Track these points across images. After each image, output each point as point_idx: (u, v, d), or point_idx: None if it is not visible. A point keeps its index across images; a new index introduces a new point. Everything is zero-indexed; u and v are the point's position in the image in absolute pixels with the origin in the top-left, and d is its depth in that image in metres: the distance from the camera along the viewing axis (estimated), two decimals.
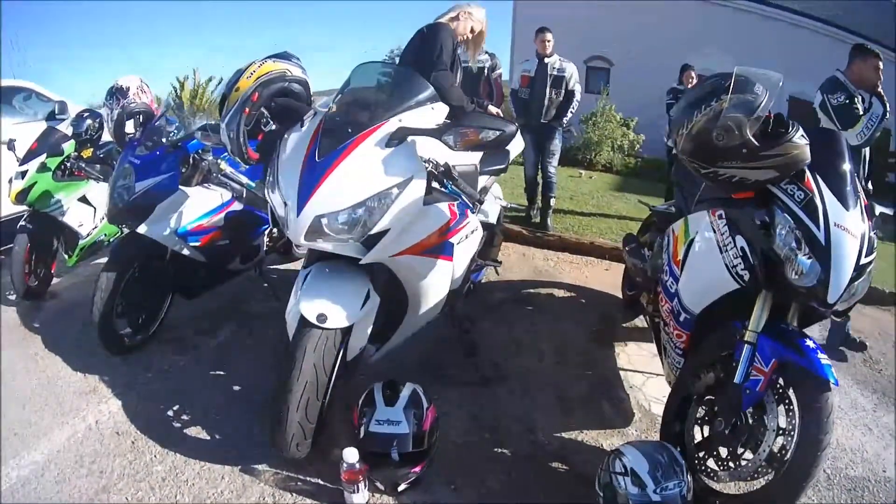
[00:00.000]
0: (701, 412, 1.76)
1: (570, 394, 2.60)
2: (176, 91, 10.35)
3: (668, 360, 2.05)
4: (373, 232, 1.68)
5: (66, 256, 3.79)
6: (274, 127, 2.25)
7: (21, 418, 2.48)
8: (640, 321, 3.38)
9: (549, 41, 4.88)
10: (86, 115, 3.92)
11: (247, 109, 2.10)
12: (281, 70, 2.26)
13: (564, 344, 3.11)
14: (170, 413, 2.49)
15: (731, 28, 8.88)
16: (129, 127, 3.60)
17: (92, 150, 3.77)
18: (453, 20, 2.82)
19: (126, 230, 3.03)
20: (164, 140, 2.91)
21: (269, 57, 2.35)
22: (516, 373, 2.77)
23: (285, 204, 1.73)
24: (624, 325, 3.43)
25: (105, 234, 3.92)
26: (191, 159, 2.81)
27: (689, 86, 5.41)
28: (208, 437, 2.35)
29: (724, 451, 1.66)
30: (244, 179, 2.89)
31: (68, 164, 3.62)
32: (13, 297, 3.69)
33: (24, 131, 4.10)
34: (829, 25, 8.55)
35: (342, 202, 1.64)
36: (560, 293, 3.93)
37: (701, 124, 1.54)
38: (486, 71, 4.94)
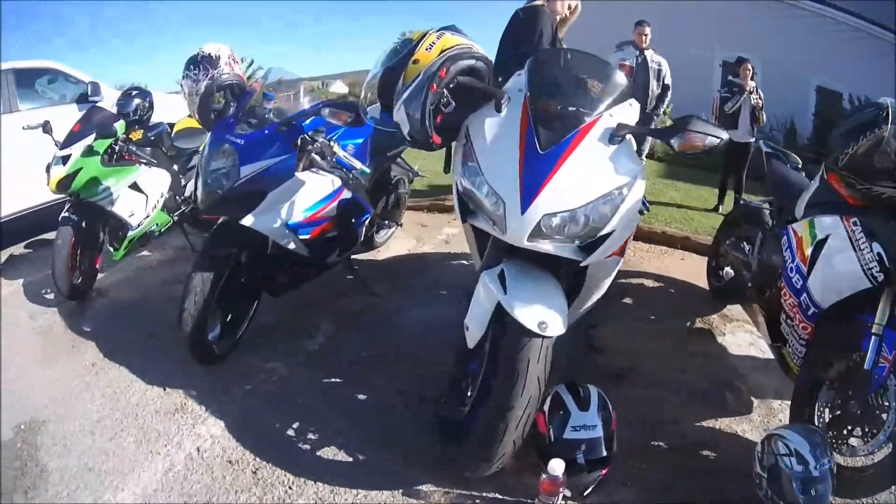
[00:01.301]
0: (831, 396, 1.86)
1: (693, 386, 2.37)
2: None
3: (788, 350, 2.12)
4: (602, 234, 1.53)
5: (112, 249, 3.15)
6: (453, 108, 1.77)
7: (93, 447, 1.87)
8: (728, 311, 3.08)
9: (647, 34, 4.74)
10: (133, 93, 3.31)
11: (434, 86, 1.65)
12: (466, 45, 1.79)
13: (672, 335, 2.83)
14: (290, 432, 1.91)
15: (755, 20, 8.63)
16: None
17: (142, 131, 3.17)
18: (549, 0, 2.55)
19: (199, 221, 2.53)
20: (270, 117, 2.34)
21: (442, 29, 1.86)
22: (638, 367, 2.47)
23: (498, 199, 1.50)
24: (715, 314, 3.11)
25: (157, 224, 3.29)
26: (298, 141, 2.27)
27: (745, 79, 5.12)
28: (348, 459, 1.79)
29: (857, 430, 1.78)
30: (358, 164, 2.37)
31: (116, 148, 3.01)
32: (51, 296, 3.05)
33: (59, 114, 3.47)
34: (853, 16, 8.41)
35: (572, 201, 1.47)
36: (649, 283, 3.57)
37: (865, 147, 1.77)
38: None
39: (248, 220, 2.15)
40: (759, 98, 4.97)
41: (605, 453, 1.68)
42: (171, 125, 3.46)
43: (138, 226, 3.11)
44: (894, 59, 7.68)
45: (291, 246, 2.30)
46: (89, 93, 4.30)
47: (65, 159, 2.89)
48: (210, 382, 2.22)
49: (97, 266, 3.12)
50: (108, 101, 4.31)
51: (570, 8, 2.62)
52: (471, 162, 1.60)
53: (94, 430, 1.96)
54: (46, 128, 3.10)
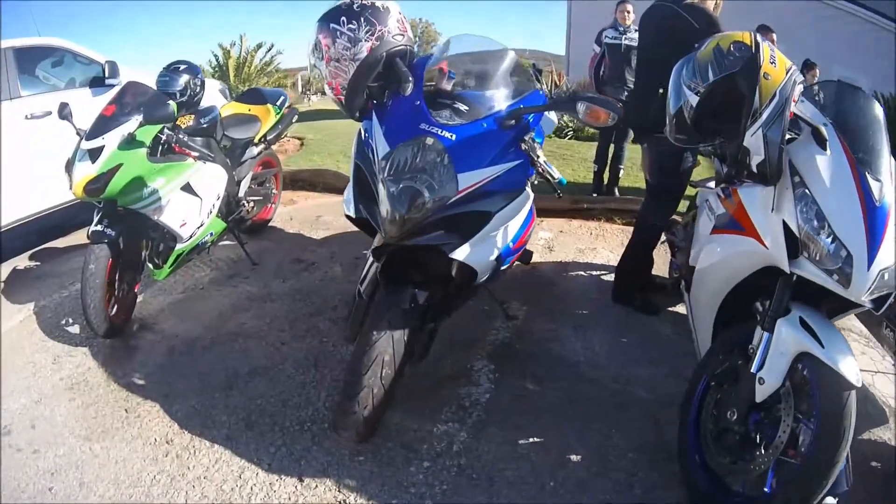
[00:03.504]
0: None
1: None
2: (218, 59, 8.61)
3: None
4: None
5: (152, 266, 2.36)
6: None
7: None
8: None
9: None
10: (181, 67, 2.50)
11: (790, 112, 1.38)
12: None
13: None
14: None
15: (768, 13, 8.14)
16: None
17: (192, 116, 2.37)
18: None
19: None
20: (474, 105, 1.57)
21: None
22: None
23: (842, 250, 1.28)
24: None
25: (211, 234, 2.51)
26: (527, 141, 1.52)
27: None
28: None
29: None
30: (556, 174, 1.64)
31: (163, 137, 2.22)
32: (75, 329, 2.28)
33: (78, 98, 2.62)
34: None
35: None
36: None
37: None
38: (635, 51, 3.97)
39: (460, 254, 1.41)
40: None
41: None
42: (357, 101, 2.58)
43: (190, 237, 2.33)
44: (894, 49, 7.34)
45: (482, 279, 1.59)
46: (106, 74, 3.43)
47: (94, 153, 2.08)
48: (371, 470, 1.52)
49: (136, 290, 2.34)
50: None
51: (716, 4, 2.30)
52: (807, 202, 1.35)
53: None
54: (64, 112, 2.26)
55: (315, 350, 2.08)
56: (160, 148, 2.22)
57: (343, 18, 1.51)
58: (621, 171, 4.07)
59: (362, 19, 1.50)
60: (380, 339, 1.37)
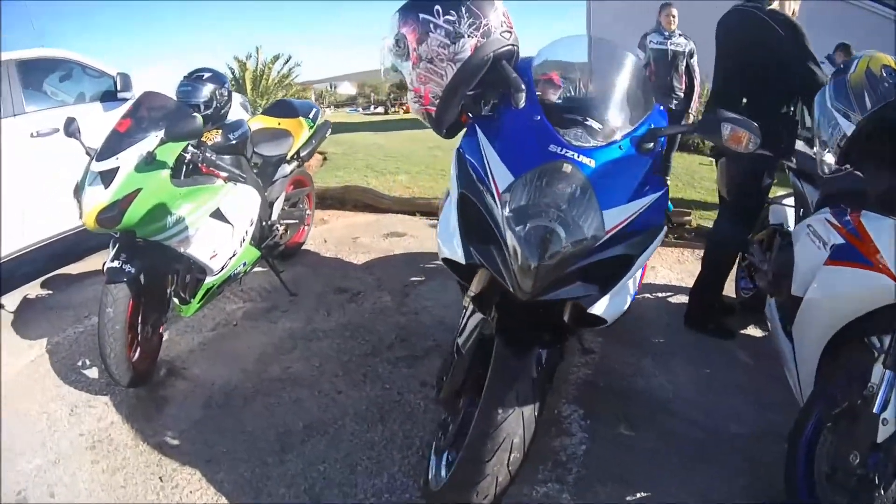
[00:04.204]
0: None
1: None
2: (234, 72, 8.22)
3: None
4: None
5: (178, 302, 2.03)
6: None
7: None
8: None
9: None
10: (205, 76, 2.19)
11: None
12: None
13: None
14: None
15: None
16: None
17: (221, 132, 2.05)
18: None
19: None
20: (618, 125, 1.23)
21: None
22: None
23: None
24: None
25: (245, 263, 2.20)
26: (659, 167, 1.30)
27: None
28: None
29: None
30: None
31: (187, 157, 1.87)
32: (93, 372, 1.98)
33: (88, 114, 2.30)
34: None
35: None
36: None
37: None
38: (682, 56, 3.78)
39: (599, 307, 1.08)
40: None
41: None
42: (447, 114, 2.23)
43: (222, 269, 2.01)
44: (894, 38, 7.16)
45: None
46: (118, 87, 3.11)
47: (107, 176, 1.73)
48: None
49: (161, 330, 2.01)
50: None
51: (793, 13, 2.13)
52: None
53: None
54: (70, 128, 1.93)
55: (378, 400, 1.78)
56: (184, 169, 1.89)
57: (437, 8, 1.14)
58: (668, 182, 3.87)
59: (463, 10, 1.14)
60: (508, 417, 1.05)
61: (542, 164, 1.06)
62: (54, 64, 3.19)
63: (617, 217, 1.07)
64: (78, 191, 1.80)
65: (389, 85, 20.64)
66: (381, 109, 22.03)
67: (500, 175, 1.09)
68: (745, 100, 2.11)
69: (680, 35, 3.75)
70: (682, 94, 3.88)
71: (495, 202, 1.07)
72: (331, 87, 14.31)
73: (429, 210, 3.43)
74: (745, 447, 1.62)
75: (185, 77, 2.18)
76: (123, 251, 1.81)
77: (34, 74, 3.05)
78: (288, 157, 2.52)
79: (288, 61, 8.33)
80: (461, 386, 1.21)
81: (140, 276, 1.81)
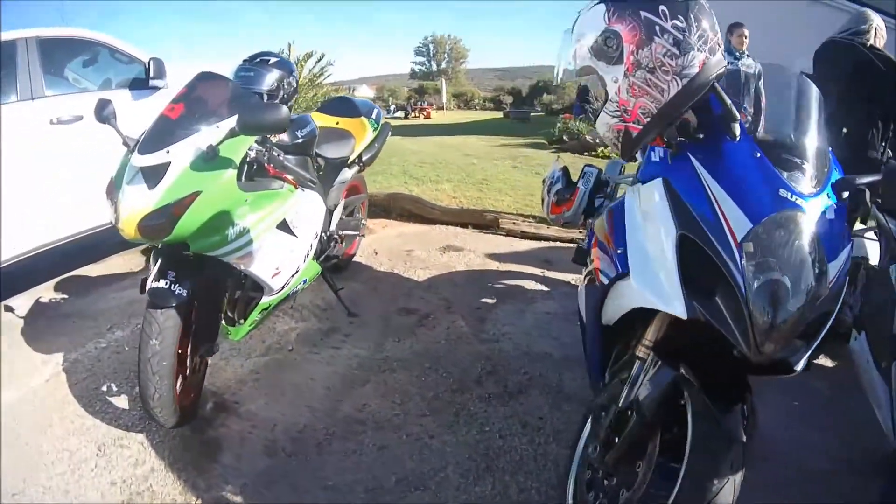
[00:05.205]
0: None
1: None
2: None
3: None
4: None
5: (225, 323, 1.66)
6: None
7: None
8: None
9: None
10: (271, 60, 1.86)
11: None
12: None
13: None
14: None
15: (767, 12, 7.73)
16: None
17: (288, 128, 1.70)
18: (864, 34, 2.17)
19: None
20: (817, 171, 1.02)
21: None
22: None
23: None
24: None
25: (305, 281, 1.85)
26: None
27: None
28: None
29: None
30: None
31: (251, 154, 1.50)
32: (121, 401, 1.65)
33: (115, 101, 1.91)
34: None
35: None
36: None
37: None
38: (752, 79, 3.54)
39: (801, 364, 0.92)
40: None
41: None
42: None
43: (282, 288, 1.65)
44: (894, 43, 7.12)
45: None
46: (151, 73, 2.75)
47: (153, 173, 1.35)
48: None
49: (208, 359, 1.65)
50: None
51: None
52: None
53: None
54: (105, 112, 1.53)
55: (479, 446, 1.46)
56: (245, 169, 1.52)
57: (664, 9, 0.90)
58: None
59: (692, 17, 0.91)
60: (723, 488, 0.88)
61: (778, 212, 0.91)
62: (79, 45, 2.81)
63: (833, 271, 0.93)
64: (112, 189, 1.42)
65: (408, 90, 20.36)
66: (400, 114, 21.72)
67: (736, 220, 0.91)
68: (844, 130, 2.08)
69: (748, 56, 3.51)
70: (750, 118, 3.63)
71: (731, 252, 0.89)
72: (349, 90, 13.97)
73: (482, 223, 3.13)
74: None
75: (245, 61, 1.85)
76: (170, 267, 1.42)
77: (56, 56, 2.67)
78: (349, 161, 2.19)
79: (321, 59, 7.76)
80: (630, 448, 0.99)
81: (194, 299, 1.43)
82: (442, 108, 16.69)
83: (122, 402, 1.68)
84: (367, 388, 1.68)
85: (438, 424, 1.53)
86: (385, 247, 2.84)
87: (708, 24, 0.92)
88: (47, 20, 2.78)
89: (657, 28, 0.89)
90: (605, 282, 1.05)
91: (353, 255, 2.60)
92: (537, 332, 2.01)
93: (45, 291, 2.46)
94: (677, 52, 0.89)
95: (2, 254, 2.30)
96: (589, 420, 1.11)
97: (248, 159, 1.51)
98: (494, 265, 2.63)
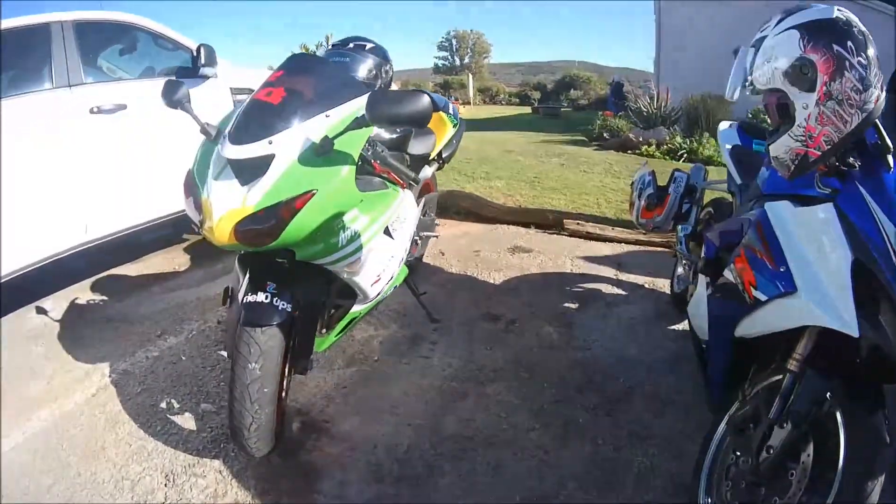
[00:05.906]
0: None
1: None
2: None
3: None
4: None
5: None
6: None
7: None
8: None
9: None
10: (368, 46, 1.68)
11: None
12: None
13: None
14: None
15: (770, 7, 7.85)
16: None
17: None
18: None
19: None
20: None
21: None
22: None
23: None
24: None
25: (396, 287, 1.64)
26: None
27: None
28: None
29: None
30: None
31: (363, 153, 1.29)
32: (186, 421, 1.46)
33: (153, 89, 1.69)
34: None
35: None
36: None
37: None
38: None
39: None
40: None
41: None
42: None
43: (377, 295, 1.45)
44: (894, 35, 7.17)
45: None
46: (201, 60, 2.54)
47: (249, 168, 1.15)
48: None
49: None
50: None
51: None
52: None
53: None
54: (177, 95, 1.32)
55: (596, 459, 1.31)
56: (360, 166, 1.30)
57: (851, 45, 0.93)
58: None
59: (871, 55, 0.94)
60: (875, 488, 0.93)
61: None
62: (118, 31, 2.59)
63: None
64: (192, 184, 1.23)
65: (434, 85, 20.03)
66: None
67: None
68: None
69: None
70: None
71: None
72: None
73: (545, 223, 2.96)
74: None
75: (335, 45, 1.67)
76: (268, 278, 1.21)
77: (95, 40, 2.46)
78: (430, 158, 2.01)
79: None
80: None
81: (295, 312, 1.22)
82: (468, 103, 16.46)
83: (186, 421, 1.47)
84: (467, 402, 1.49)
85: (550, 438, 1.37)
86: (451, 247, 2.64)
87: (876, 62, 0.94)
88: (83, 3, 2.52)
89: (847, 63, 0.92)
90: (764, 298, 1.02)
91: (422, 255, 2.41)
92: (624, 337, 1.85)
93: (81, 292, 2.24)
94: (861, 88, 0.92)
95: (28, 254, 2.07)
96: (721, 430, 1.12)
97: (363, 156, 1.29)
98: (568, 267, 2.46)
